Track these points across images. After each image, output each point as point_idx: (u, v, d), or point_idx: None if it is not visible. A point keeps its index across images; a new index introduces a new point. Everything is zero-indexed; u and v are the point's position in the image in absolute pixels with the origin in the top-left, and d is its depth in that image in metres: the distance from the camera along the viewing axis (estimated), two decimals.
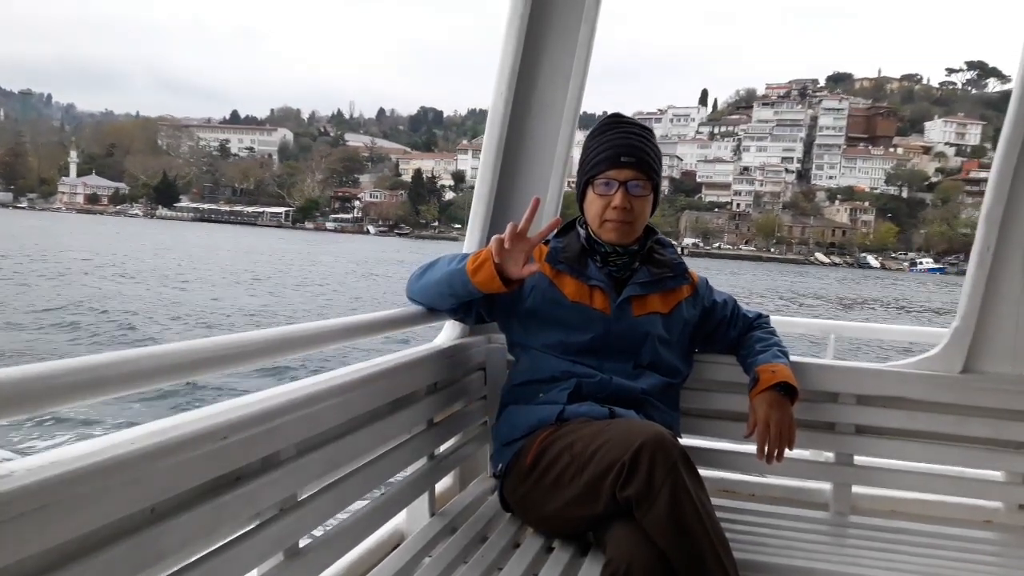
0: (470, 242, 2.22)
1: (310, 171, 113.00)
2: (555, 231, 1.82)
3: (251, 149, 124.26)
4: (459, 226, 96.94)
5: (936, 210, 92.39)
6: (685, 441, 2.01)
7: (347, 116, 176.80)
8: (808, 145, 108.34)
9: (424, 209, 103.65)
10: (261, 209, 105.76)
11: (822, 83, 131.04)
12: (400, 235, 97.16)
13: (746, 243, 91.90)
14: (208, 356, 1.08)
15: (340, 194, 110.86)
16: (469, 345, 2.04)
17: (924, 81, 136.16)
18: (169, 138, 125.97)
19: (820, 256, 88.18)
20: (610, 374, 1.80)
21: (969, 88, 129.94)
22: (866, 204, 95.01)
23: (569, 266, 1.86)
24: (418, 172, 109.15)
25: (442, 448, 1.90)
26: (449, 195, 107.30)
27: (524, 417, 1.79)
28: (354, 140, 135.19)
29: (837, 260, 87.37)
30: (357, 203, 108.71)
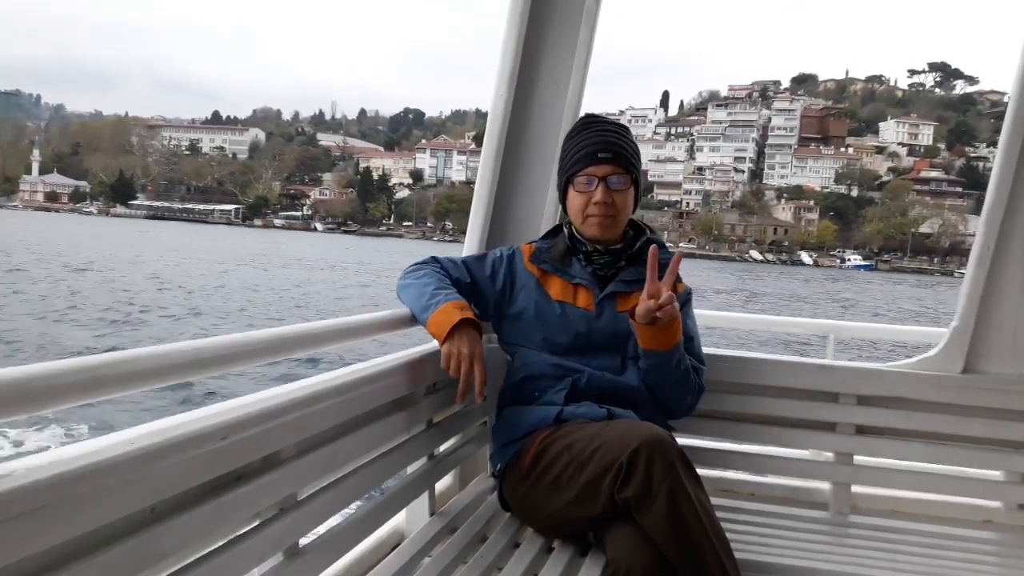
0: (470, 242, 2.22)
1: (264, 169, 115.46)
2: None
3: (221, 148, 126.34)
4: (408, 223, 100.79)
5: (876, 208, 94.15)
6: (684, 441, 2.00)
7: (328, 117, 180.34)
8: (761, 145, 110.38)
9: (372, 207, 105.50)
10: (212, 207, 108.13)
11: (787, 84, 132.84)
12: (346, 232, 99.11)
13: (688, 241, 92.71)
14: (208, 356, 1.08)
15: (291, 191, 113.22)
16: None
17: (892, 83, 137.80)
18: (139, 137, 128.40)
19: (754, 254, 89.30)
20: (600, 370, 1.80)
21: (935, 90, 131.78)
22: (811, 203, 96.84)
23: (553, 266, 1.88)
24: (367, 170, 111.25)
25: (442, 448, 1.90)
26: (404, 192, 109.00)
27: (522, 418, 1.79)
28: (326, 140, 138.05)
29: (771, 257, 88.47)
30: (308, 200, 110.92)
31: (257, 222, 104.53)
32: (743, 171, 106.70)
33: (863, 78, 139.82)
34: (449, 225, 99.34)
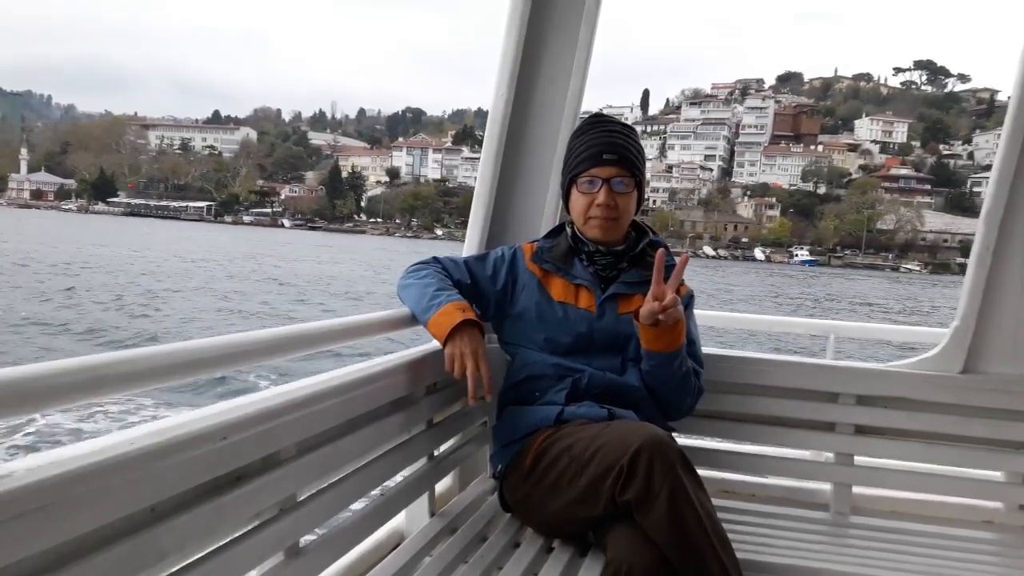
0: (470, 242, 2.22)
1: (240, 167, 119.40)
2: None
3: (212, 147, 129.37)
4: (375, 220, 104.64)
5: (834, 205, 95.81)
6: (685, 441, 2.00)
7: (329, 116, 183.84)
8: (733, 143, 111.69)
9: (340, 204, 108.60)
10: (185, 204, 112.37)
11: (772, 82, 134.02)
12: (313, 228, 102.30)
13: None
14: (208, 356, 1.08)
15: (262, 189, 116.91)
16: None
17: (883, 80, 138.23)
18: (133, 136, 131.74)
19: (707, 249, 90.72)
20: (602, 370, 1.80)
21: (927, 87, 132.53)
22: (772, 200, 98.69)
23: (555, 265, 1.87)
24: (335, 168, 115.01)
25: (442, 448, 1.90)
26: (378, 190, 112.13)
27: (523, 418, 1.79)
28: (317, 138, 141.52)
29: (724, 253, 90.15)
30: (278, 198, 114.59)
31: (228, 218, 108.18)
32: (711, 169, 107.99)
33: (850, 76, 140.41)
34: (414, 222, 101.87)
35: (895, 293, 49.88)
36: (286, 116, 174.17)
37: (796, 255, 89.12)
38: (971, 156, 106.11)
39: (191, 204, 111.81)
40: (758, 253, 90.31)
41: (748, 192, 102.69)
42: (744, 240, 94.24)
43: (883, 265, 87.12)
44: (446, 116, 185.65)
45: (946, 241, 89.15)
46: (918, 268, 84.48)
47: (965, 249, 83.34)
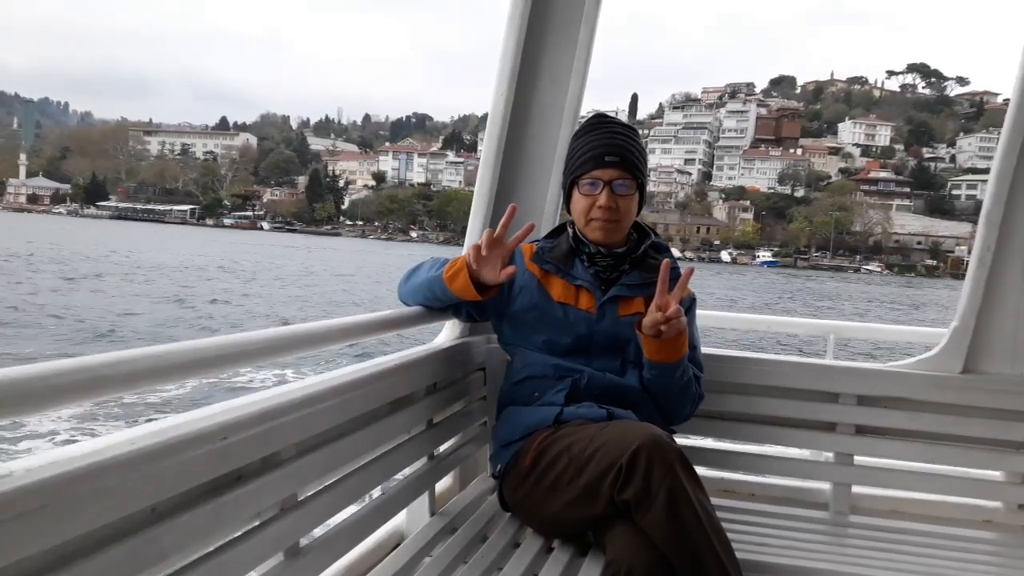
0: (469, 242, 2.22)
1: (227, 172, 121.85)
2: (530, 235, 1.78)
3: (211, 152, 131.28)
4: (351, 223, 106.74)
5: (804, 207, 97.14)
6: (685, 441, 2.00)
7: (336, 122, 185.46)
8: (714, 147, 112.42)
9: (320, 207, 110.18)
10: (169, 207, 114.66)
11: (764, 85, 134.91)
12: (291, 231, 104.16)
13: None
14: (208, 356, 1.08)
15: (245, 192, 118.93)
16: (469, 345, 2.04)
17: (879, 84, 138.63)
18: (132, 142, 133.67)
19: (674, 251, 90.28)
20: (601, 371, 1.80)
21: (926, 91, 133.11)
22: (747, 203, 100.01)
23: (556, 266, 1.86)
24: (315, 172, 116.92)
25: (442, 448, 1.90)
26: (364, 193, 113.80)
27: (522, 418, 1.79)
28: (317, 144, 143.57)
29: (690, 255, 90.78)
30: (260, 201, 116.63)
31: (209, 221, 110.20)
32: (690, 173, 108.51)
33: (844, 80, 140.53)
34: (391, 225, 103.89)
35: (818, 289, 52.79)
36: (294, 122, 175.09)
37: (758, 256, 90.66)
38: (953, 159, 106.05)
39: (175, 208, 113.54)
40: (724, 255, 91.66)
41: (724, 195, 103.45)
42: (716, 243, 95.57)
43: (848, 267, 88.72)
44: (454, 120, 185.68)
45: (920, 243, 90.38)
46: (878, 269, 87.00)
47: (935, 251, 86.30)
